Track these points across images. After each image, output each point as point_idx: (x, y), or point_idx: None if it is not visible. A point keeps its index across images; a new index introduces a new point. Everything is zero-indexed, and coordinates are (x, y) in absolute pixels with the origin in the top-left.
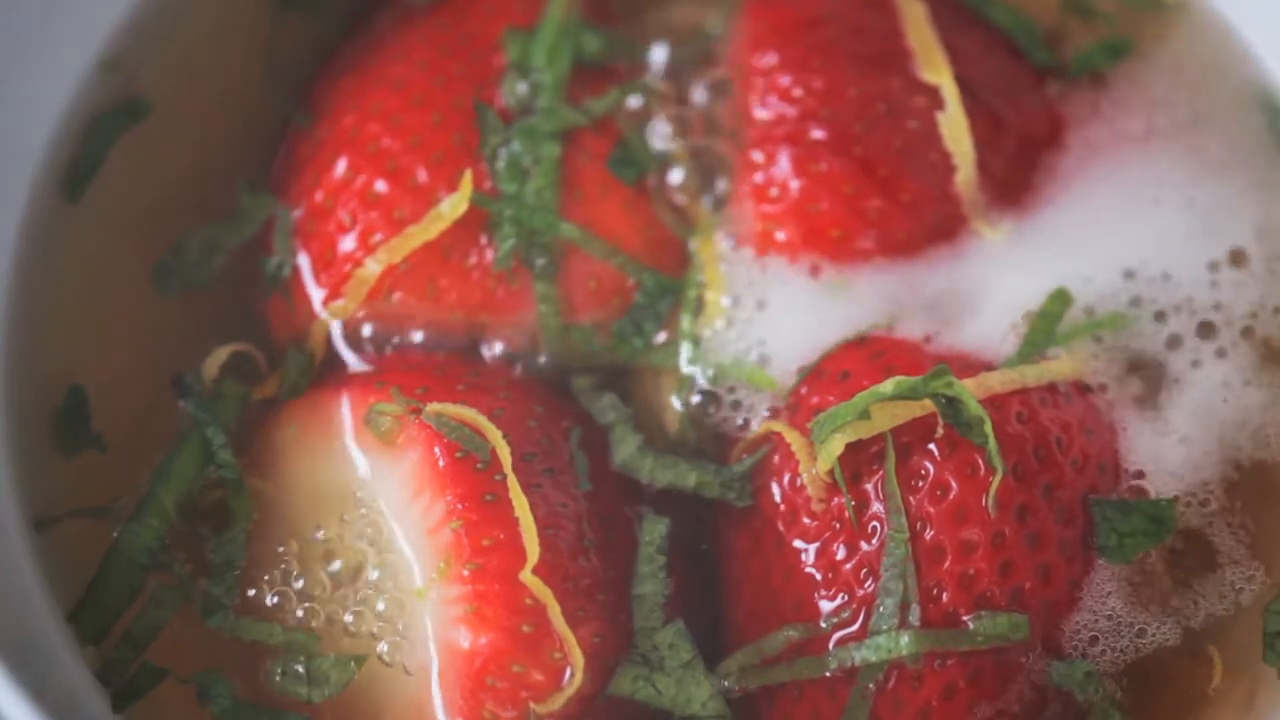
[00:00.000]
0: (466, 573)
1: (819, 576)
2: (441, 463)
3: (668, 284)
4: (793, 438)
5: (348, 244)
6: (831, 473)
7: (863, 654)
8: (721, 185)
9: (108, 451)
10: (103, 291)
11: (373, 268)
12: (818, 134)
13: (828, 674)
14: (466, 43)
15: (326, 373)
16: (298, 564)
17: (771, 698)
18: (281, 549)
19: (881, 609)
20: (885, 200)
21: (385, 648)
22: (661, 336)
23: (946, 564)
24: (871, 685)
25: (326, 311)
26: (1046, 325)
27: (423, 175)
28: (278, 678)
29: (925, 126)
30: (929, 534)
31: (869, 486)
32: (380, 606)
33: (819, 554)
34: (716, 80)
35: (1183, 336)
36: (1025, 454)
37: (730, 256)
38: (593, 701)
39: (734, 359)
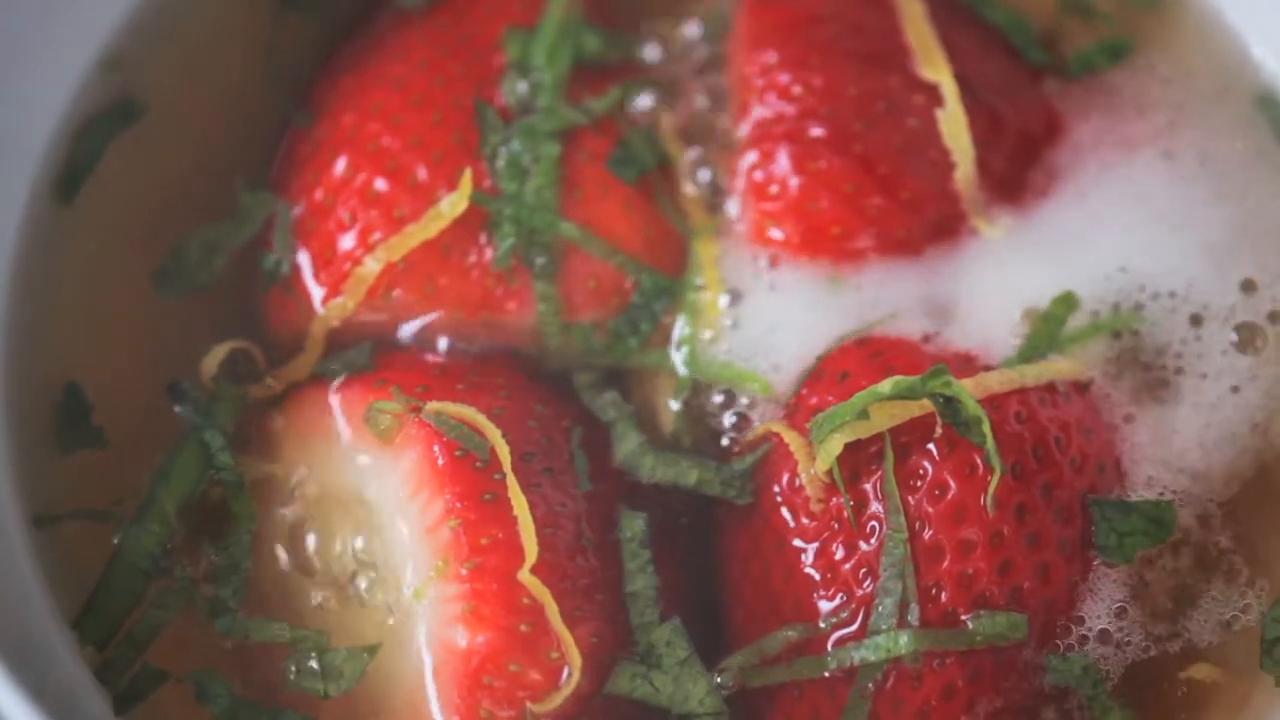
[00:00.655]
0: (464, 571)
1: (818, 576)
2: (440, 461)
3: (664, 284)
4: (791, 438)
5: (347, 242)
6: (830, 473)
7: (862, 654)
8: (721, 184)
9: (108, 448)
10: (102, 291)
11: (372, 266)
12: (817, 132)
13: (827, 674)
14: (467, 42)
15: (326, 370)
16: (295, 561)
17: (771, 697)
18: (278, 545)
19: (880, 609)
20: (885, 198)
21: (383, 646)
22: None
23: (945, 563)
24: (871, 685)
25: (326, 309)
26: (1050, 328)
27: (422, 174)
28: (292, 675)
29: (924, 124)
30: (927, 534)
31: (868, 486)
32: (378, 604)
33: (818, 554)
34: (716, 79)
35: (1183, 336)
36: (1024, 453)
37: (729, 257)
38: (590, 701)
39: (727, 361)
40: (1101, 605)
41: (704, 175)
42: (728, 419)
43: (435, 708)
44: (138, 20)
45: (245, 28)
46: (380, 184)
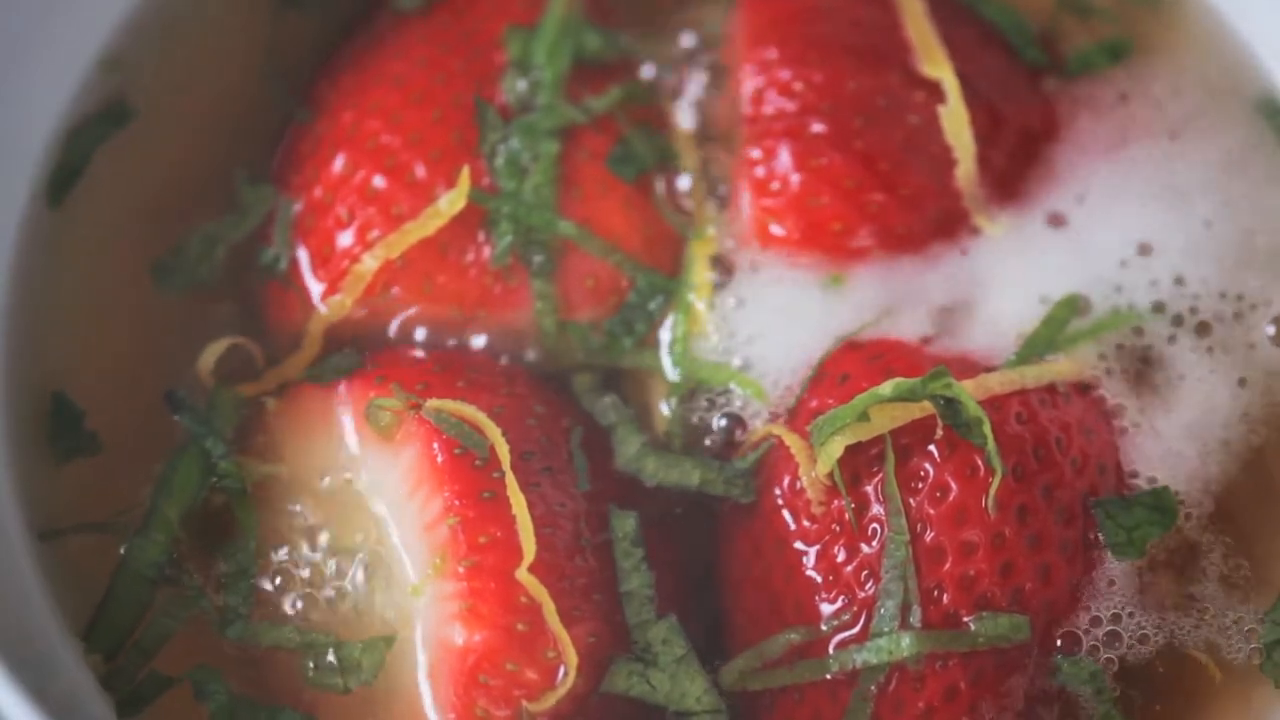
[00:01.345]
0: (462, 569)
1: (819, 579)
2: (440, 459)
3: (660, 283)
4: (792, 441)
5: (345, 239)
6: (831, 475)
7: (864, 656)
8: (721, 183)
9: (104, 453)
10: (99, 293)
11: (370, 263)
12: (818, 128)
13: (829, 676)
14: (467, 40)
15: (324, 368)
16: (294, 559)
17: (772, 700)
18: (278, 543)
19: (882, 611)
20: (886, 194)
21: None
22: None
23: (947, 565)
24: (873, 687)
25: (324, 306)
26: (1051, 330)
27: (421, 171)
28: (311, 673)
29: (925, 121)
30: (929, 535)
31: (869, 489)
32: (376, 602)
33: (819, 556)
34: (716, 76)
35: (1183, 335)
36: (1025, 454)
37: (728, 257)
38: (586, 700)
39: (718, 363)
40: (1101, 607)
41: (704, 173)
42: (719, 421)
43: (431, 705)
44: (137, 20)
45: (245, 26)
46: (379, 181)
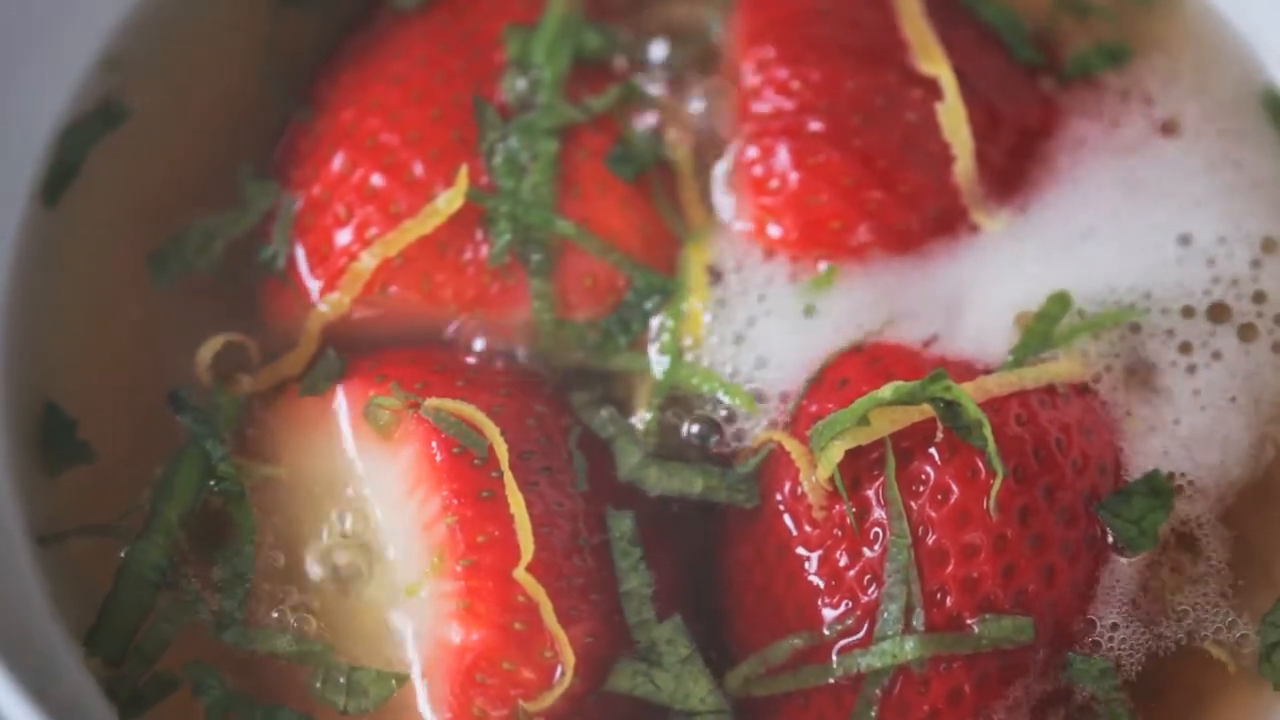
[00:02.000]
0: (460, 568)
1: (822, 584)
2: (438, 458)
3: (658, 283)
4: (792, 446)
5: (344, 237)
6: (832, 480)
7: (868, 660)
8: (720, 182)
9: (103, 455)
10: (100, 292)
11: (368, 261)
12: (816, 126)
13: (833, 681)
14: (467, 39)
15: (315, 376)
16: (292, 557)
17: (776, 706)
18: (276, 544)
19: (886, 614)
20: (885, 192)
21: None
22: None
23: (949, 568)
24: (878, 691)
25: (322, 304)
26: (1044, 327)
27: (420, 170)
28: (318, 684)
29: (922, 119)
30: (931, 538)
31: (870, 492)
32: (373, 600)
33: (821, 561)
34: (714, 74)
35: (1184, 335)
36: (1025, 456)
37: (725, 259)
38: (583, 700)
39: (707, 370)
40: (1101, 609)
41: (703, 173)
42: (690, 427)
43: (428, 704)
44: (137, 19)
45: (245, 25)
46: (377, 179)
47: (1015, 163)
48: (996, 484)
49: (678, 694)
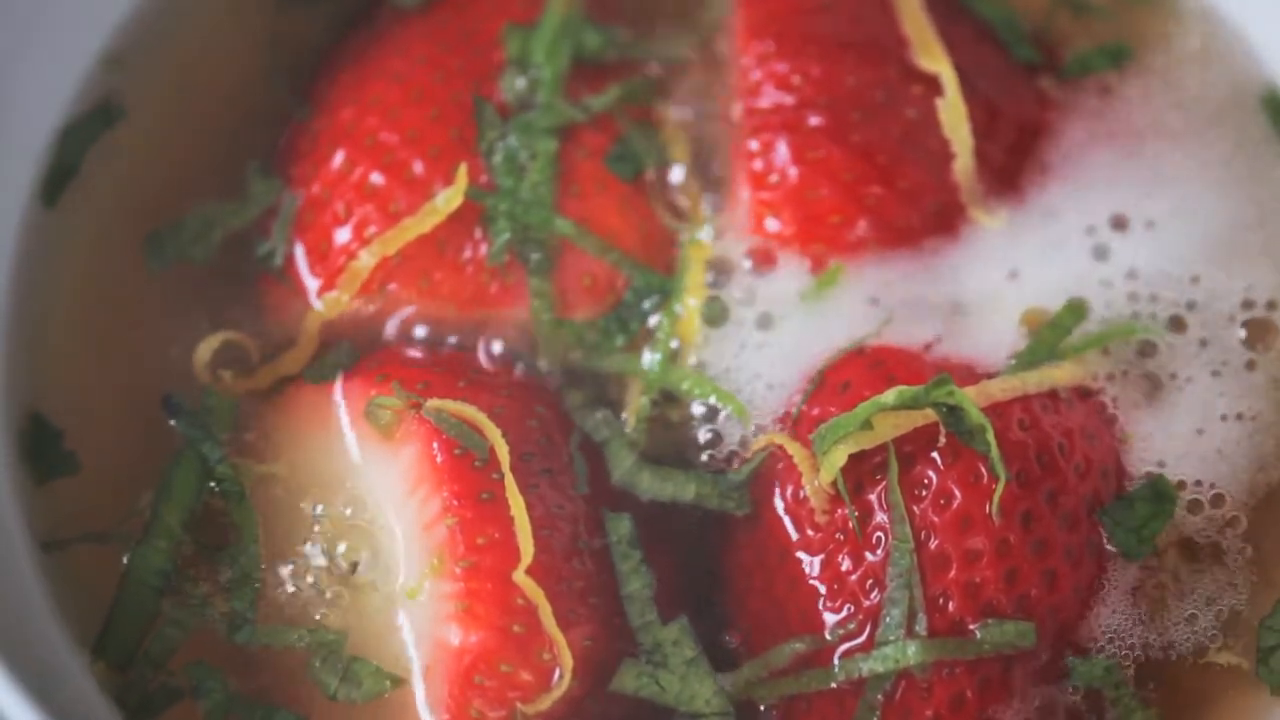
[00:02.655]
0: (459, 570)
1: (824, 588)
2: (439, 459)
3: (657, 282)
4: (794, 450)
5: (343, 236)
6: (834, 484)
7: (870, 664)
8: (720, 182)
9: (103, 458)
10: (99, 292)
11: (367, 260)
12: (816, 121)
13: (834, 685)
14: (467, 38)
15: (322, 366)
16: (294, 560)
17: (779, 710)
18: (278, 545)
19: (888, 619)
20: (884, 187)
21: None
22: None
23: (952, 573)
24: (880, 696)
25: (321, 303)
26: (1055, 336)
27: (419, 169)
28: (317, 664)
29: (922, 115)
30: (934, 543)
31: (872, 497)
32: (372, 600)
33: (824, 566)
34: (714, 72)
35: (1185, 337)
36: (1028, 461)
37: (723, 260)
38: (581, 703)
39: (699, 375)
40: (1101, 611)
41: (702, 172)
42: (704, 432)
43: (425, 705)
44: (138, 18)
45: (247, 24)
46: (376, 178)
47: (1014, 160)
48: (999, 489)
49: (683, 695)
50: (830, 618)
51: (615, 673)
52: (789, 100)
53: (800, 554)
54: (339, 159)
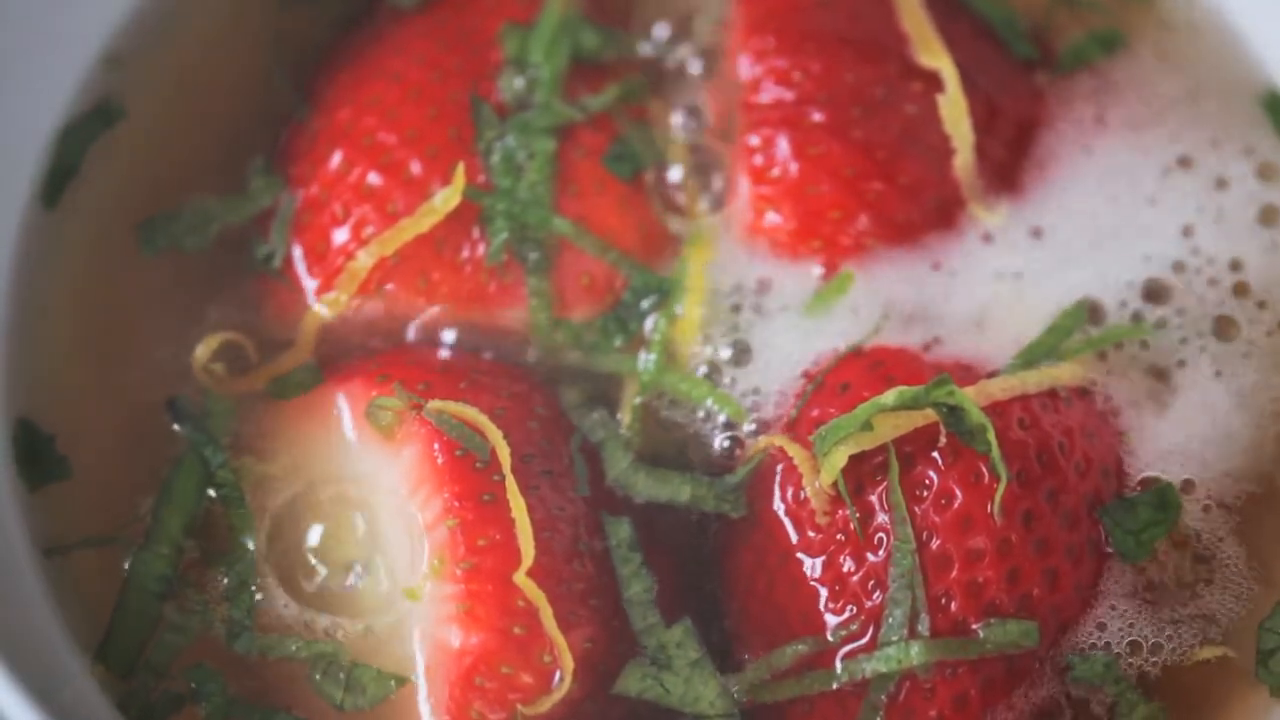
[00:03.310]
0: (460, 572)
1: (826, 589)
2: (440, 460)
3: (655, 282)
4: (795, 451)
5: (341, 236)
6: (835, 485)
7: (873, 665)
8: (719, 180)
9: (104, 460)
10: (99, 292)
11: (365, 260)
12: (816, 117)
13: (837, 686)
14: (465, 38)
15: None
16: (293, 559)
17: (781, 711)
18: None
19: (890, 620)
20: (885, 183)
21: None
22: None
23: (954, 573)
24: (883, 696)
25: (319, 303)
26: (1055, 336)
27: (417, 168)
28: (318, 677)
29: (922, 111)
30: (935, 543)
31: (873, 498)
32: (372, 602)
33: (825, 567)
34: (713, 69)
35: (1185, 337)
36: (1028, 460)
37: (725, 257)
38: (581, 705)
39: (695, 378)
40: (1104, 610)
41: (702, 171)
42: (702, 433)
43: (426, 707)
44: (138, 18)
45: (247, 24)
46: (374, 178)
47: (1014, 156)
48: (1000, 489)
49: (688, 697)
50: (832, 619)
51: (617, 675)
52: (789, 96)
53: (801, 556)
54: (337, 159)
